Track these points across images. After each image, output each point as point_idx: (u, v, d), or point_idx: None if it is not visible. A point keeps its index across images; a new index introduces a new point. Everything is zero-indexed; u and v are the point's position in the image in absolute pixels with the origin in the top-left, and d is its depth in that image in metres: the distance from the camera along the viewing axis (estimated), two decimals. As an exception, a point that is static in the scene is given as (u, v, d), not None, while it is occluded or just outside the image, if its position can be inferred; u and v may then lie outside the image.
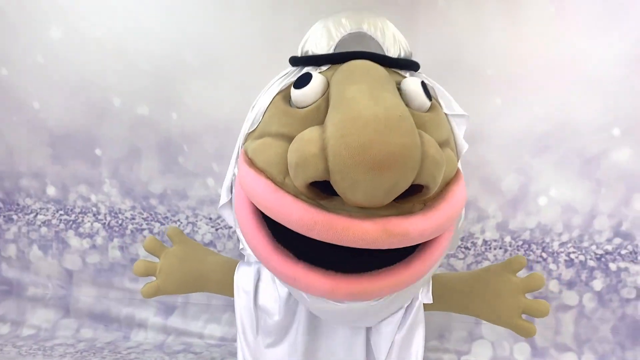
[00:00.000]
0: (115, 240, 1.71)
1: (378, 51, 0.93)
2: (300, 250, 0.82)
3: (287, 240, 0.82)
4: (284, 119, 0.85)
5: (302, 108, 0.83)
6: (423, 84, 0.88)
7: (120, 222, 1.71)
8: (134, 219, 1.70)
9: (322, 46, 0.93)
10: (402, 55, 0.96)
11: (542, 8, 1.51)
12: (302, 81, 0.85)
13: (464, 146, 1.02)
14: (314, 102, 0.83)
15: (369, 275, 0.80)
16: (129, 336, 1.67)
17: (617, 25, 1.50)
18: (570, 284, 1.62)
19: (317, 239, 0.74)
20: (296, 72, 0.94)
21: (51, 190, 1.70)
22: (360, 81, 0.78)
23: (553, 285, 1.61)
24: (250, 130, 0.93)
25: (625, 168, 1.55)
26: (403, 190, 0.70)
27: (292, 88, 0.86)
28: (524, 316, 1.09)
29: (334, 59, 0.90)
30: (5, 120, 1.65)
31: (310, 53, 0.94)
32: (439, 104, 0.97)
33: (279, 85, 0.93)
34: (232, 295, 1.12)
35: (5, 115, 1.65)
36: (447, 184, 0.85)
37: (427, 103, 0.87)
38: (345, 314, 0.97)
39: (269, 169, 0.82)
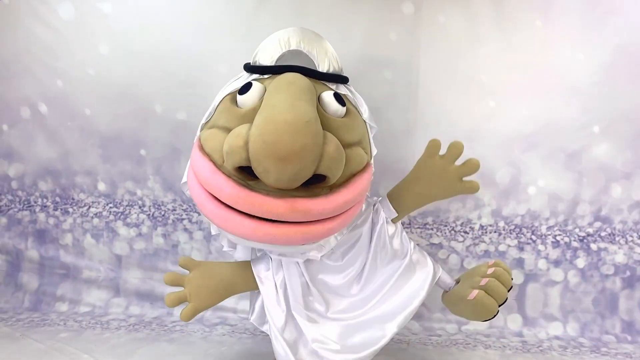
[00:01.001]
0: (159, 229, 1.93)
1: (311, 66, 1.19)
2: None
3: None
4: (228, 115, 1.11)
5: (242, 108, 1.09)
6: (336, 95, 1.14)
7: (162, 213, 1.92)
8: (174, 210, 1.92)
9: (267, 58, 1.20)
10: (331, 70, 1.22)
11: (530, 21, 1.72)
12: (245, 88, 1.11)
13: (374, 150, 1.28)
14: (251, 105, 1.08)
15: (281, 225, 1.04)
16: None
17: (595, 36, 1.70)
18: (556, 262, 1.83)
19: (241, 209, 1.01)
20: (245, 78, 1.20)
21: (102, 186, 1.93)
22: (284, 91, 1.02)
23: (542, 264, 1.83)
24: (206, 121, 1.19)
25: (604, 161, 1.76)
26: (306, 178, 0.97)
27: (237, 93, 1.12)
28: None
29: (274, 71, 1.17)
30: (62, 125, 1.87)
31: (258, 63, 1.21)
32: (358, 111, 1.23)
33: (231, 87, 1.19)
34: (257, 288, 1.34)
35: (62, 121, 1.87)
36: (354, 175, 1.12)
37: (342, 110, 1.13)
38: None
39: (212, 154, 1.07)
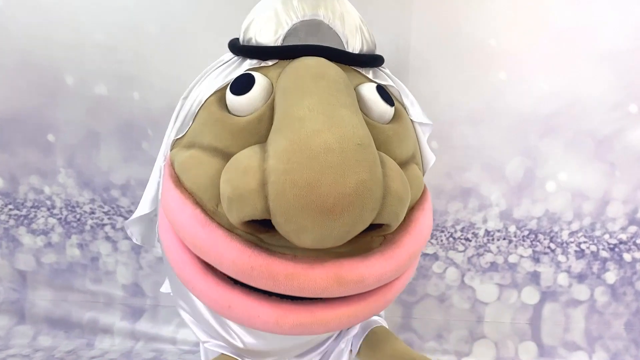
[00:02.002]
0: (74, 237, 1.69)
1: (336, 44, 0.86)
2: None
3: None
4: (218, 129, 0.78)
5: (241, 116, 0.77)
6: (380, 89, 0.82)
7: (78, 216, 1.68)
8: (93, 213, 1.67)
9: (268, 35, 0.85)
10: (365, 48, 0.89)
11: (552, -30, 1.50)
12: (241, 85, 0.78)
13: (431, 159, 0.99)
14: (254, 111, 0.76)
15: (322, 303, 0.74)
16: (93, 343, 1.66)
17: None
18: (580, 277, 1.64)
19: (255, 286, 0.69)
20: (236, 65, 0.87)
21: None
22: (312, 92, 0.71)
23: (562, 279, 1.63)
24: (178, 136, 0.86)
25: None
26: (358, 232, 0.66)
27: (228, 92, 0.79)
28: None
29: (283, 53, 0.83)
30: None
31: (253, 42, 0.86)
32: (405, 108, 0.92)
33: (214, 80, 0.85)
34: None
35: None
36: (411, 210, 0.81)
37: (389, 111, 0.82)
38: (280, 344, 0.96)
39: (198, 193, 0.75)
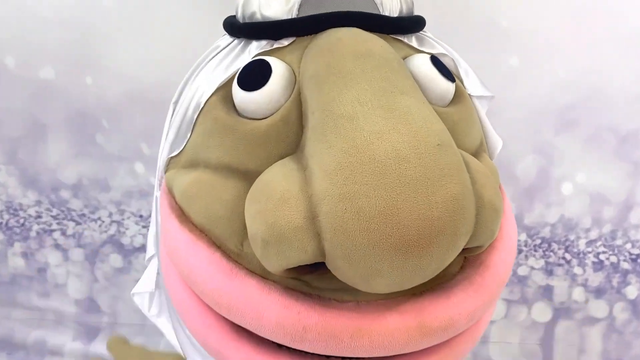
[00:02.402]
0: (17, 245, 1.57)
1: (367, 7, 0.67)
2: None
3: None
4: (229, 139, 0.60)
5: (255, 120, 0.59)
6: (435, 61, 0.65)
7: (21, 221, 1.56)
8: (40, 217, 1.55)
9: (277, 5, 0.66)
10: (405, 9, 0.71)
11: (572, -60, 1.39)
12: (253, 76, 0.60)
13: (498, 143, 0.82)
14: (276, 110, 0.59)
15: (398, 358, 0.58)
16: None
17: None
18: (598, 292, 1.55)
19: (309, 351, 0.54)
20: (239, 51, 0.69)
21: None
22: (357, 78, 0.54)
23: (578, 294, 1.53)
24: (175, 153, 0.68)
25: None
26: (446, 266, 0.51)
27: (235, 87, 0.61)
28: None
29: (301, 28, 0.64)
30: None
31: (258, 17, 0.67)
32: (460, 79, 0.75)
33: (213, 74, 0.68)
34: None
35: None
36: None
37: (451, 89, 0.64)
38: None
39: (214, 230, 0.58)
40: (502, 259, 0.63)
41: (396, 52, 0.61)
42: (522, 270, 1.51)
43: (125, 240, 1.55)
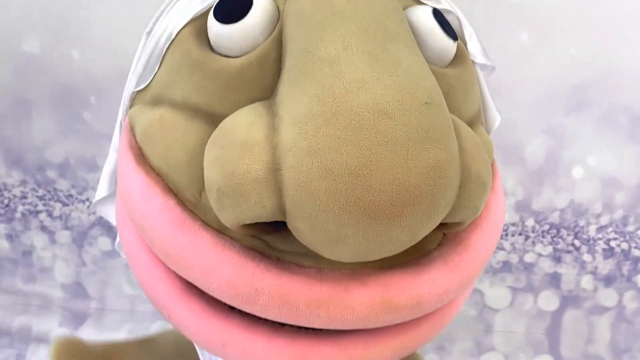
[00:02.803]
0: (1, 226, 1.53)
1: None
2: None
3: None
4: (198, 76, 0.56)
5: (229, 57, 0.55)
6: (437, 14, 0.60)
7: (6, 202, 1.52)
8: (25, 197, 1.51)
9: None
10: None
11: None
12: (231, 7, 0.56)
13: (496, 117, 0.79)
14: (254, 48, 0.54)
15: (338, 341, 0.55)
16: (25, 354, 1.51)
17: None
18: (608, 280, 1.52)
19: (262, 316, 0.50)
20: None
21: None
22: (345, 17, 0.50)
23: (586, 282, 1.50)
24: (140, 87, 0.63)
25: None
26: (417, 240, 0.47)
27: (210, 17, 0.57)
28: None
29: None
30: None
31: None
32: (465, 43, 0.71)
33: (190, 4, 0.63)
34: None
35: None
36: None
37: (452, 48, 0.60)
38: None
39: (171, 175, 0.54)
40: (484, 240, 0.59)
41: (395, 3, 0.55)
42: (529, 257, 1.48)
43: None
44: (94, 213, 1.49)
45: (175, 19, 0.60)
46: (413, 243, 0.47)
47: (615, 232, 1.47)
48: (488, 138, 0.67)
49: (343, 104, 0.41)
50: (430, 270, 0.53)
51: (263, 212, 0.43)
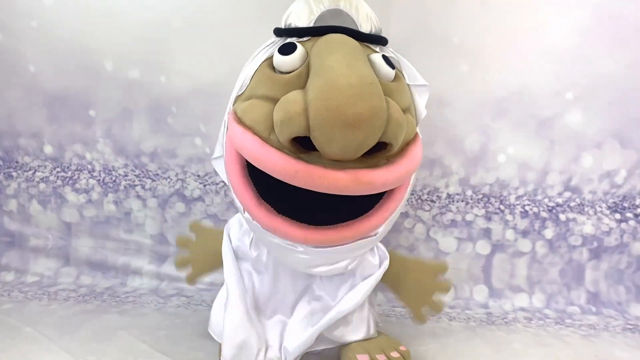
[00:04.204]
0: (110, 195, 1.86)
1: (352, 27, 1.07)
2: (279, 206, 1.01)
3: (268, 196, 1.02)
4: (269, 83, 0.99)
5: (285, 73, 0.98)
6: (384, 57, 1.04)
7: (113, 178, 1.85)
8: (126, 175, 1.85)
9: (303, 20, 1.07)
10: (373, 31, 1.11)
11: (506, -20, 1.64)
12: (286, 49, 0.99)
13: (423, 112, 1.19)
14: (295, 69, 0.97)
15: (334, 227, 1.01)
16: (126, 282, 1.84)
17: None
18: (524, 233, 1.82)
19: (297, 185, 0.91)
20: (280, 42, 1.08)
21: (48, 149, 1.85)
22: (337, 51, 0.92)
23: (509, 234, 1.81)
24: (239, 93, 1.07)
25: (576, 129, 1.74)
26: (371, 146, 0.87)
27: (276, 54, 1.00)
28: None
29: (314, 32, 1.04)
30: (3, 82, 1.79)
31: (292, 26, 1.08)
32: (402, 75, 1.13)
33: (265, 54, 1.07)
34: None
35: (3, 78, 1.79)
36: (407, 144, 1.04)
37: (392, 73, 1.03)
38: (304, 261, 1.13)
39: (255, 126, 0.96)
40: (409, 161, 1.00)
41: (363, 50, 1.00)
42: (469, 217, 1.80)
43: (187, 193, 1.84)
44: (173, 186, 1.83)
45: (259, 59, 1.06)
46: (367, 146, 0.85)
47: (528, 200, 1.78)
48: (412, 120, 1.07)
49: (335, 82, 0.83)
50: (379, 171, 0.95)
51: (300, 129, 0.85)
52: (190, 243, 1.46)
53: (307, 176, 0.90)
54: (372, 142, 0.87)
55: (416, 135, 1.09)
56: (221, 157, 1.19)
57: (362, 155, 0.90)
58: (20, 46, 1.76)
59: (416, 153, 1.05)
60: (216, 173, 1.71)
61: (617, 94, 1.72)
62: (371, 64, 1.00)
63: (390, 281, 1.31)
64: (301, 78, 0.95)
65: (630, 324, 1.68)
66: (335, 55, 0.91)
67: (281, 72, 0.99)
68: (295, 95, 0.88)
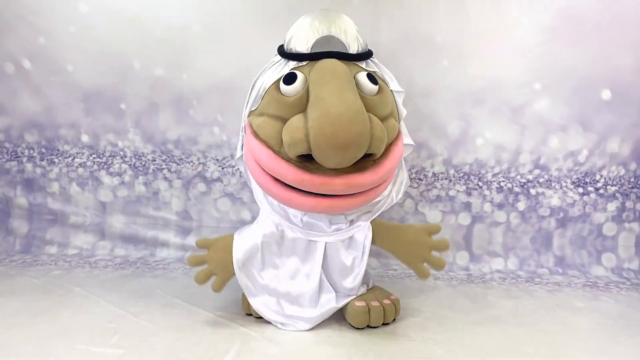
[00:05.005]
0: (140, 177, 2.06)
1: (342, 49, 1.27)
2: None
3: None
4: (277, 105, 1.22)
5: (289, 97, 1.20)
6: (369, 76, 1.23)
7: (143, 163, 2.05)
8: (154, 160, 2.05)
9: (302, 46, 1.28)
10: (360, 49, 1.31)
11: (481, -15, 1.83)
12: (289, 79, 1.21)
13: (403, 112, 1.39)
14: (297, 94, 1.19)
15: (337, 198, 1.23)
16: (155, 253, 2.05)
17: (540, 0, 1.85)
18: (500, 206, 2.02)
19: (304, 189, 1.18)
20: (283, 65, 1.29)
21: (85, 138, 2.05)
22: (330, 82, 1.14)
23: (487, 207, 2.02)
24: (253, 108, 1.30)
25: (544, 115, 1.93)
26: (358, 158, 1.11)
27: (281, 84, 1.22)
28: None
29: (311, 57, 1.25)
30: (45, 80, 1.99)
31: (293, 50, 1.29)
32: (386, 82, 1.32)
33: (273, 73, 1.28)
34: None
35: (45, 77, 1.98)
36: (390, 145, 1.25)
37: (375, 89, 1.23)
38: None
39: (269, 141, 1.21)
40: (390, 161, 1.23)
41: (351, 70, 1.21)
42: (452, 192, 1.99)
43: (208, 175, 2.03)
44: (196, 169, 2.01)
45: (267, 80, 1.27)
46: (356, 159, 1.11)
47: (503, 177, 1.98)
48: (394, 124, 1.27)
49: (329, 112, 1.08)
50: (367, 174, 1.19)
51: (303, 150, 1.11)
52: (205, 258, 1.43)
53: (310, 184, 1.17)
54: (359, 156, 1.12)
55: (398, 134, 1.30)
56: (241, 158, 1.42)
57: (354, 163, 1.14)
58: (60, 49, 1.95)
59: (397, 152, 1.27)
60: (232, 157, 1.93)
61: (580, 84, 1.91)
62: (357, 83, 1.21)
63: (390, 247, 1.47)
64: (302, 101, 1.18)
65: (590, 282, 1.90)
66: (327, 87, 1.13)
67: (286, 96, 1.21)
68: (297, 122, 1.12)
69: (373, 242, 1.44)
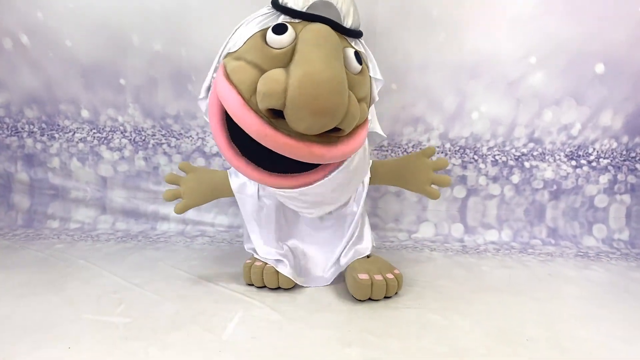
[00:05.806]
0: (140, 152, 2.06)
1: (337, 19, 1.23)
2: (244, 150, 1.18)
3: (237, 139, 1.19)
4: (259, 53, 1.13)
5: (274, 49, 1.12)
6: (356, 54, 1.20)
7: (143, 138, 2.05)
8: (154, 135, 2.04)
9: (298, 4, 1.20)
10: (353, 26, 1.27)
11: (477, -41, 1.82)
12: (279, 29, 1.13)
13: (375, 98, 1.36)
14: (283, 47, 1.11)
15: (283, 175, 1.22)
16: (156, 227, 2.07)
17: None
18: (494, 178, 2.03)
19: (264, 145, 1.11)
20: (274, 17, 1.20)
21: (85, 113, 2.04)
22: (320, 46, 1.07)
23: (482, 180, 2.03)
24: (231, 51, 1.22)
25: (539, 89, 1.94)
26: (329, 129, 1.07)
27: (269, 31, 1.13)
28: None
29: (305, 17, 1.19)
30: (44, 55, 1.97)
31: (288, 6, 1.21)
32: (368, 67, 1.29)
33: (259, 24, 1.20)
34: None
35: (43, 52, 1.96)
36: (357, 127, 1.21)
37: (359, 68, 1.20)
38: (299, 198, 1.37)
39: (240, 87, 1.11)
40: (354, 142, 1.18)
41: (340, 42, 1.16)
42: (448, 166, 1.98)
43: (207, 150, 2.04)
44: (195, 144, 2.02)
45: (251, 29, 1.19)
46: (327, 128, 1.05)
47: (498, 151, 1.98)
48: (365, 108, 1.21)
49: (313, 75, 1.02)
50: (330, 147, 1.14)
51: (277, 104, 1.03)
52: (180, 179, 1.52)
53: (273, 141, 1.09)
54: (331, 126, 1.07)
55: (366, 120, 1.27)
56: (205, 99, 1.35)
57: (320, 134, 1.10)
58: (58, 24, 1.93)
59: (361, 135, 1.24)
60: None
61: (573, 58, 1.91)
62: (344, 57, 1.17)
63: (393, 180, 1.51)
64: (287, 56, 1.10)
65: (582, 252, 1.94)
66: (317, 51, 1.06)
67: (271, 47, 1.13)
68: (278, 75, 1.04)
69: (376, 182, 1.48)
